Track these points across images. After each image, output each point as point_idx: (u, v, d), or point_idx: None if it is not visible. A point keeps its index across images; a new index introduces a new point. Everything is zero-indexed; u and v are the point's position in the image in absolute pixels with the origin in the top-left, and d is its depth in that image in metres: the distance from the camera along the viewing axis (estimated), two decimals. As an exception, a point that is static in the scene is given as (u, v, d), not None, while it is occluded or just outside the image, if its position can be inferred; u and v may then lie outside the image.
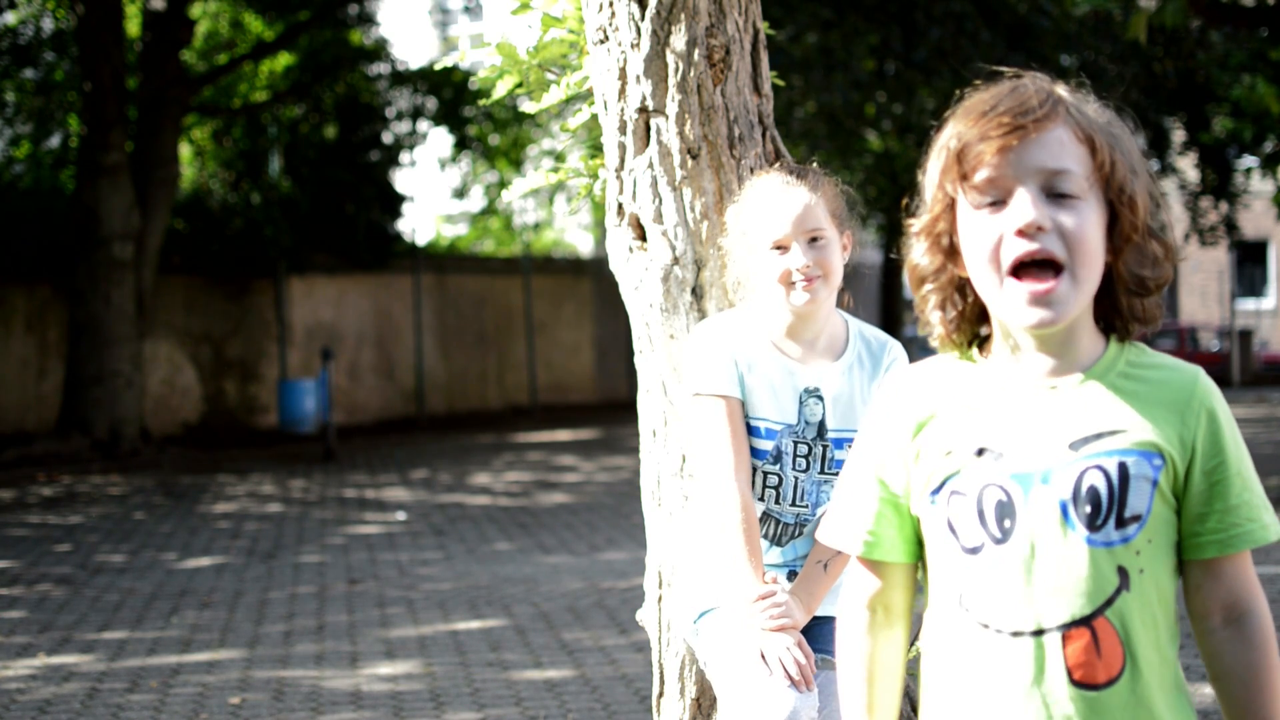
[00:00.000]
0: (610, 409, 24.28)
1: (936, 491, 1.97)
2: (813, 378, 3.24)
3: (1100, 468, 1.90)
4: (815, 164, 3.41)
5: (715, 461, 3.20)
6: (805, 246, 3.19)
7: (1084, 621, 1.89)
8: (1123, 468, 1.90)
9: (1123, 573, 1.90)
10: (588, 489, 13.61)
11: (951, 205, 1.95)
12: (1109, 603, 1.90)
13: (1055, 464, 1.91)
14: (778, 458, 3.24)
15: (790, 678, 3.03)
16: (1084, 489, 1.90)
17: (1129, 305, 1.96)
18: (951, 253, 1.97)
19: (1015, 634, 1.92)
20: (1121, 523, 1.90)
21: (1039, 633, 1.91)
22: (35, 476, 15.55)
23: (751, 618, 3.11)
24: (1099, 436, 1.91)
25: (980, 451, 1.94)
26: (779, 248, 3.21)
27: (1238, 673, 1.94)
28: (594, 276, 26.00)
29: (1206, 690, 5.32)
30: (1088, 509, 1.89)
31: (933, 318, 2.01)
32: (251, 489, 14.16)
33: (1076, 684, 1.89)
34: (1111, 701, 1.89)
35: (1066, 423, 1.92)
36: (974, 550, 1.94)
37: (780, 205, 3.22)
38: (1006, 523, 1.92)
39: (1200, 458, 1.93)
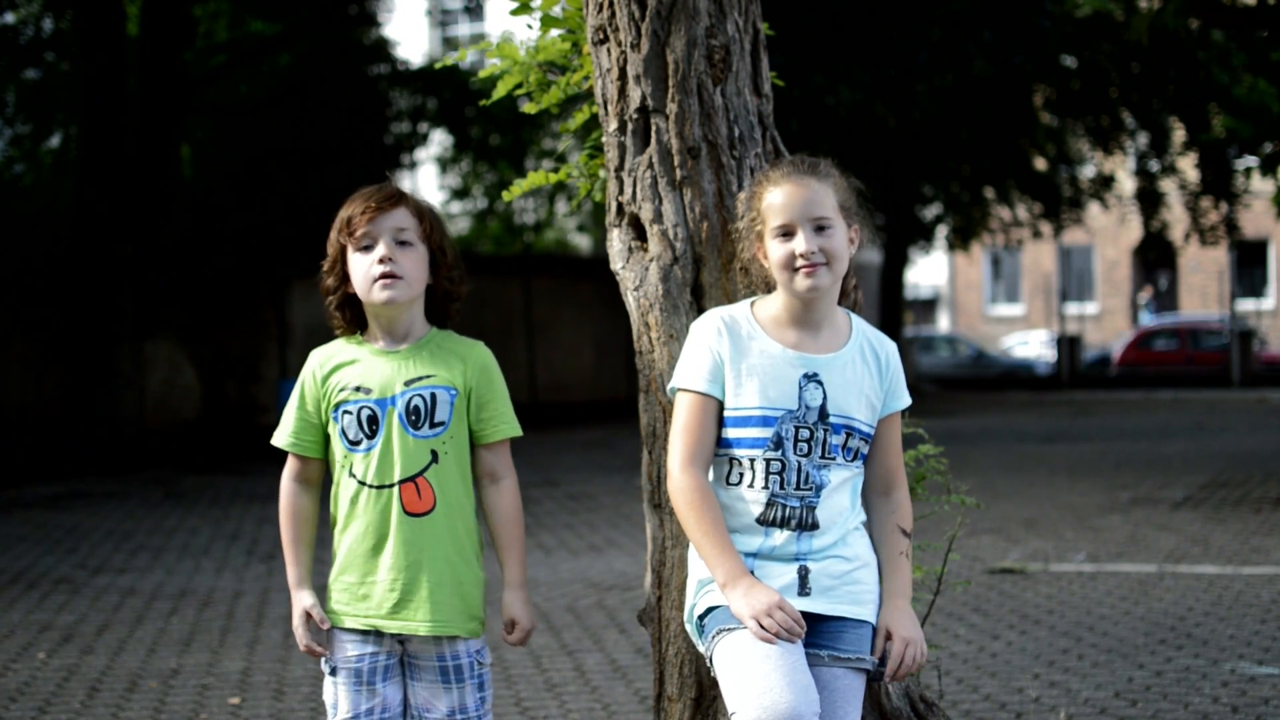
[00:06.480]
0: (610, 409, 24.27)
1: None
2: (813, 363, 3.28)
3: None
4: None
5: (670, 452, 3.28)
6: (811, 233, 3.26)
7: None
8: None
9: None
10: (588, 489, 13.61)
11: None
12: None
13: None
14: (779, 444, 3.25)
15: (787, 636, 3.09)
16: None
17: None
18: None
19: None
20: None
21: None
22: (35, 476, 15.56)
23: (731, 599, 3.15)
24: None
25: None
26: (785, 233, 3.27)
27: None
28: (594, 276, 25.98)
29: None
30: None
31: None
32: (251, 489, 14.15)
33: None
34: None
35: None
36: None
37: (787, 191, 3.29)
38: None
39: None
